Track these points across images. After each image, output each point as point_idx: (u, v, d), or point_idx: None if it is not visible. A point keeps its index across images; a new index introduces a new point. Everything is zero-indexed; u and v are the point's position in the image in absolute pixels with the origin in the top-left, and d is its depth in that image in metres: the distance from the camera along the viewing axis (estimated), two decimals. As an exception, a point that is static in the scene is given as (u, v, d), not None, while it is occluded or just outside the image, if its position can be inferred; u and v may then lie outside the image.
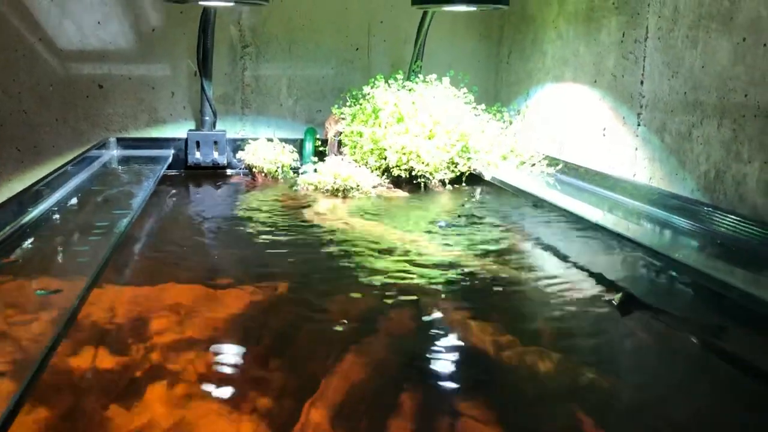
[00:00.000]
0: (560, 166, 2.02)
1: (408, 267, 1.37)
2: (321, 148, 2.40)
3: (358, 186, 2.04)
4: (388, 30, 2.60)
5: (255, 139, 2.31)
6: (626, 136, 1.86)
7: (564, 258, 1.47)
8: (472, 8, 1.98)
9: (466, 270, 1.36)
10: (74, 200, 1.67)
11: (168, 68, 2.47)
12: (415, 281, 1.29)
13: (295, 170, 2.29)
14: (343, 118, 2.35)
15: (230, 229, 1.71)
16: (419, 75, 2.42)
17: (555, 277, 1.36)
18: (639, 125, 1.80)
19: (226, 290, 1.23)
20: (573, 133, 2.12)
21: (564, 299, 1.22)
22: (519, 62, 2.51)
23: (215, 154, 2.32)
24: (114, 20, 2.40)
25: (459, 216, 1.80)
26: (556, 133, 2.22)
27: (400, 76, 2.36)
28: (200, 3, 2.05)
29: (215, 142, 2.32)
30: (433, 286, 1.27)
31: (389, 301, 1.19)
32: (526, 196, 1.90)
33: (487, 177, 2.07)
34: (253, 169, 2.24)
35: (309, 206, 1.90)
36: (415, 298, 1.22)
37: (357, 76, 2.61)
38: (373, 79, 2.35)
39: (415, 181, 2.16)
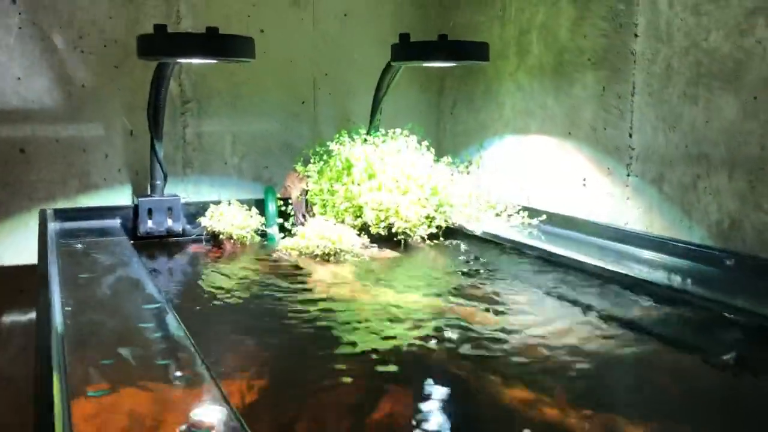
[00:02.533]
0: (543, 217, 2.04)
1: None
2: (282, 208, 2.26)
3: (351, 249, 1.93)
4: (334, 83, 2.52)
5: (216, 203, 2.12)
6: (614, 186, 1.92)
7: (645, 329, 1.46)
8: (450, 64, 1.97)
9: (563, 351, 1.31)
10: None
11: (101, 127, 2.22)
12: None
13: (262, 234, 2.13)
14: (308, 176, 2.23)
15: (258, 310, 1.53)
16: (379, 129, 2.36)
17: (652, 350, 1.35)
18: (629, 175, 1.87)
19: None
20: (545, 183, 2.16)
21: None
22: (467, 113, 2.53)
23: (169, 222, 2.10)
24: (37, 75, 2.12)
25: (473, 271, 1.76)
26: (522, 184, 2.25)
27: (363, 131, 2.29)
28: (179, 61, 1.86)
29: (169, 209, 2.10)
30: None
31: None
32: (523, 248, 1.89)
33: (477, 231, 2.05)
34: (220, 236, 2.05)
35: (309, 275, 1.76)
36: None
37: (304, 129, 2.50)
38: (337, 135, 2.26)
39: (395, 239, 2.09)
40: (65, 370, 0.95)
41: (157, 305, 1.27)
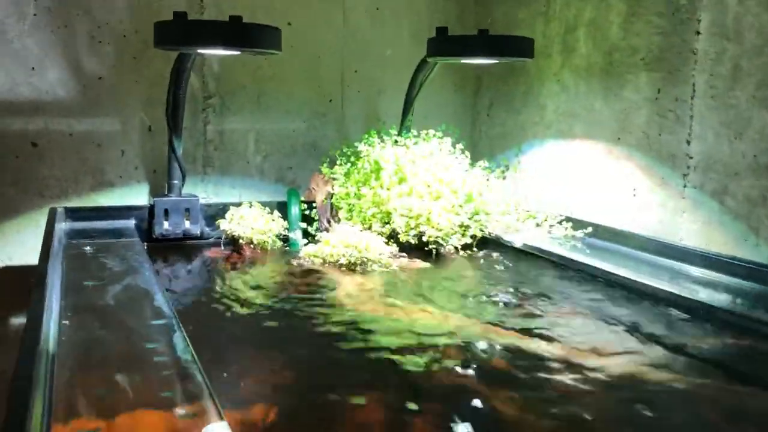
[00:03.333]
0: (589, 229, 1.88)
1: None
2: (305, 212, 2.12)
3: (379, 258, 1.78)
4: (362, 80, 2.38)
5: (236, 205, 1.99)
6: (668, 198, 1.76)
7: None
8: (491, 60, 1.82)
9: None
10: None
11: (117, 122, 2.10)
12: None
13: (284, 239, 1.99)
14: (334, 179, 2.09)
15: (276, 329, 1.40)
16: (411, 130, 2.21)
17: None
18: (686, 186, 1.70)
19: None
20: (589, 191, 2.00)
21: None
22: (505, 114, 2.38)
23: (186, 224, 1.97)
24: (52, 66, 2.00)
25: (513, 288, 1.60)
26: (564, 192, 2.09)
27: (393, 132, 2.15)
28: (199, 51, 1.73)
29: (187, 210, 1.97)
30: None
31: None
32: (567, 263, 1.73)
33: (516, 242, 1.89)
34: (240, 240, 1.91)
35: (333, 287, 1.62)
36: None
37: (330, 129, 2.36)
38: (366, 135, 2.11)
39: (426, 248, 1.94)
40: (49, 399, 0.81)
41: (165, 321, 1.13)
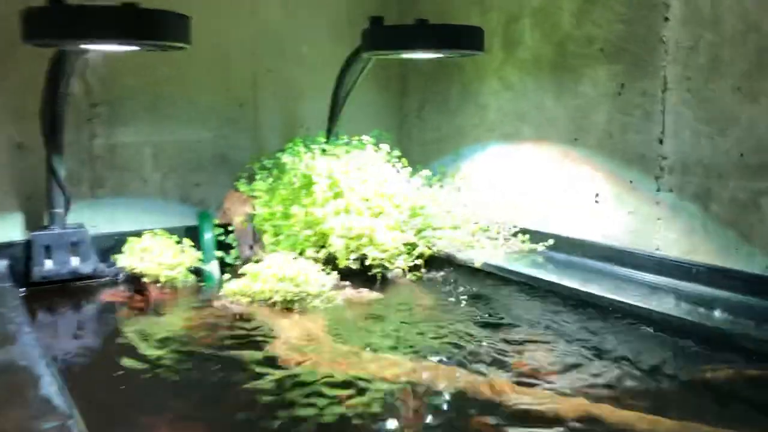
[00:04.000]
0: (550, 242, 1.68)
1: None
2: (221, 238, 1.79)
3: (320, 292, 1.49)
4: (278, 81, 2.08)
5: (136, 234, 1.64)
6: (639, 203, 1.58)
7: None
8: (437, 55, 1.58)
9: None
10: None
11: (-23, 139, 1.69)
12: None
13: (196, 273, 1.66)
14: (254, 197, 1.78)
15: (195, 402, 1.08)
16: (340, 137, 1.93)
17: None
18: (660, 190, 1.53)
19: None
20: (543, 200, 1.80)
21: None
22: (439, 117, 2.14)
23: (75, 262, 1.61)
24: None
25: (483, 319, 1.36)
26: (512, 200, 1.88)
27: (321, 139, 1.87)
28: (84, 47, 1.36)
29: (74, 244, 1.60)
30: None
31: None
32: (535, 283, 1.52)
33: (473, 261, 1.65)
34: (143, 279, 1.57)
35: (269, 338, 1.31)
36: None
37: (243, 139, 2.04)
38: (290, 144, 1.82)
39: (369, 273, 1.67)
40: None
41: (58, 423, 0.80)
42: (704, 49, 1.43)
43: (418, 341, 1.28)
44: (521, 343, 1.27)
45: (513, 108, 1.89)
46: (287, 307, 1.45)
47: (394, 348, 1.25)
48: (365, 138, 1.85)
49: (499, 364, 1.17)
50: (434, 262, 1.74)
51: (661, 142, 1.53)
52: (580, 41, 1.68)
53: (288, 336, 1.30)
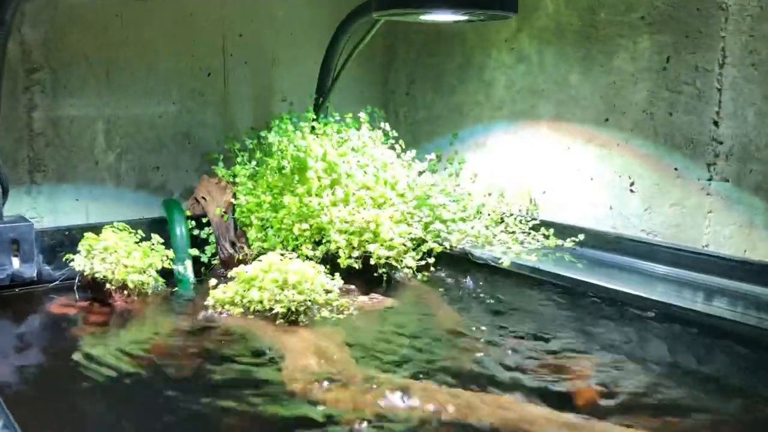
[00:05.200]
0: (581, 237, 1.48)
1: None
2: (193, 233, 1.51)
3: (328, 300, 1.24)
4: (250, 47, 1.79)
5: (92, 228, 1.34)
6: (685, 194, 1.39)
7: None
8: (463, 17, 1.33)
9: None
10: None
11: None
12: None
13: (164, 275, 1.37)
14: (234, 183, 1.50)
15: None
16: (331, 113, 1.67)
17: None
18: (712, 180, 1.34)
19: None
20: (564, 188, 1.60)
21: None
22: (432, 94, 1.91)
23: (15, 263, 1.29)
24: None
25: (530, 336, 1.14)
26: (527, 188, 1.67)
27: (310, 115, 1.60)
28: None
29: (14, 242, 1.29)
30: None
31: None
32: (570, 284, 1.31)
33: (501, 261, 1.42)
34: (106, 285, 1.27)
35: (274, 362, 1.05)
36: None
37: (210, 113, 1.75)
38: (277, 121, 1.54)
39: (375, 274, 1.42)
40: None
41: None
42: (776, 18, 1.24)
43: (468, 362, 1.05)
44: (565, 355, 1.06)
45: (526, 84, 1.67)
46: (291, 319, 1.19)
47: (432, 371, 1.01)
48: (361, 115, 1.59)
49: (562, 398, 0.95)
50: (446, 259, 1.51)
51: (716, 124, 1.34)
52: (615, 8, 1.47)
53: (297, 359, 1.04)
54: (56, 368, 1.02)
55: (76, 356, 1.03)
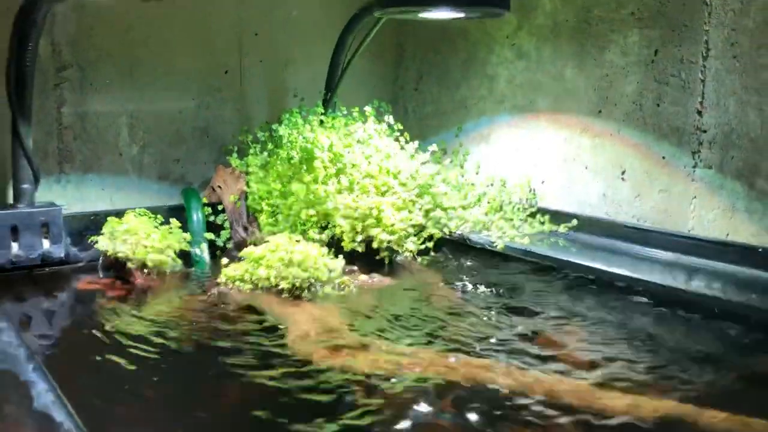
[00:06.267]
0: (574, 222, 1.55)
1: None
2: (210, 219, 1.61)
3: (330, 278, 1.33)
4: (265, 46, 1.89)
5: (114, 214, 1.45)
6: (672, 181, 1.46)
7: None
8: (458, 15, 1.42)
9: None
10: None
11: (-73, 104, 1.47)
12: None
13: (182, 256, 1.48)
14: (247, 173, 1.61)
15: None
16: (339, 107, 1.77)
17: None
18: (697, 167, 1.41)
19: None
20: (561, 176, 1.67)
21: None
22: (438, 89, 1.99)
23: (46, 244, 1.41)
24: None
25: (524, 309, 1.22)
26: (525, 177, 1.74)
27: (319, 110, 1.70)
28: None
29: (45, 225, 1.40)
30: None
31: None
32: (566, 267, 1.39)
33: (495, 244, 1.51)
34: (127, 264, 1.38)
35: (279, 330, 1.15)
36: None
37: (228, 109, 1.85)
38: (287, 115, 1.64)
39: (377, 257, 1.52)
40: None
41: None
42: (755, 12, 1.31)
43: (452, 332, 1.14)
44: (562, 330, 1.13)
45: (526, 78, 1.75)
46: (295, 294, 1.29)
47: (428, 338, 1.10)
48: (367, 109, 1.68)
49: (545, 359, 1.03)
50: (446, 244, 1.60)
51: (699, 113, 1.41)
52: (607, 5, 1.55)
53: (301, 327, 1.14)
54: (84, 338, 1.12)
55: (101, 327, 1.14)
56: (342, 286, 1.33)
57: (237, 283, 1.32)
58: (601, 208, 1.59)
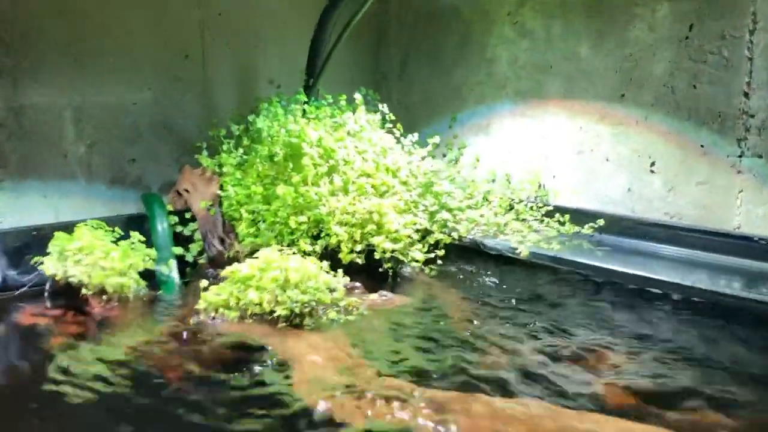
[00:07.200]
0: (600, 222, 1.37)
1: None
2: (177, 229, 1.36)
3: (334, 299, 1.11)
4: (231, 27, 1.65)
5: (64, 227, 1.19)
6: (712, 172, 1.29)
7: None
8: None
9: None
10: None
11: None
12: None
13: (144, 276, 1.23)
14: (221, 174, 1.36)
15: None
16: (324, 96, 1.54)
17: None
18: (743, 156, 1.24)
19: None
20: (576, 169, 1.49)
21: None
22: (428, 75, 1.79)
23: (-24, 269, 1.14)
24: None
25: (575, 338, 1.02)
26: (534, 171, 1.56)
27: (301, 98, 1.46)
28: None
29: (-26, 245, 1.14)
30: None
31: None
32: (616, 278, 1.20)
33: (518, 251, 1.31)
34: (82, 291, 1.12)
35: (282, 370, 0.92)
36: None
37: (190, 100, 1.61)
38: (265, 104, 1.41)
39: (380, 269, 1.30)
40: None
41: None
42: (814, -23, 1.14)
43: (511, 377, 0.93)
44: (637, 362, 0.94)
45: (532, 59, 1.56)
46: (295, 323, 1.06)
47: (471, 380, 0.89)
48: (357, 97, 1.46)
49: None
50: (454, 250, 1.39)
51: (746, 95, 1.24)
52: (630, -26, 1.37)
53: (308, 367, 0.91)
54: (27, 388, 0.88)
55: (50, 373, 0.89)
56: (349, 308, 1.11)
57: (221, 310, 1.08)
58: (626, 205, 1.41)
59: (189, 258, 1.33)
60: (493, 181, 1.61)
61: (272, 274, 1.07)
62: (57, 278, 1.12)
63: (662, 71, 1.35)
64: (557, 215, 1.43)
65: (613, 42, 1.41)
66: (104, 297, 1.12)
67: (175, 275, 1.28)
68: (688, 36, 1.31)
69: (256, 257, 1.11)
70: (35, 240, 1.22)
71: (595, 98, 1.46)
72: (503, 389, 0.86)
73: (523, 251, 1.29)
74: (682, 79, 1.32)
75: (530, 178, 1.55)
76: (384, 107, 1.47)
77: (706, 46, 1.28)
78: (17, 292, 1.19)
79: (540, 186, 1.55)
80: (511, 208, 1.48)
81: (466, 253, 1.38)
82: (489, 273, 1.31)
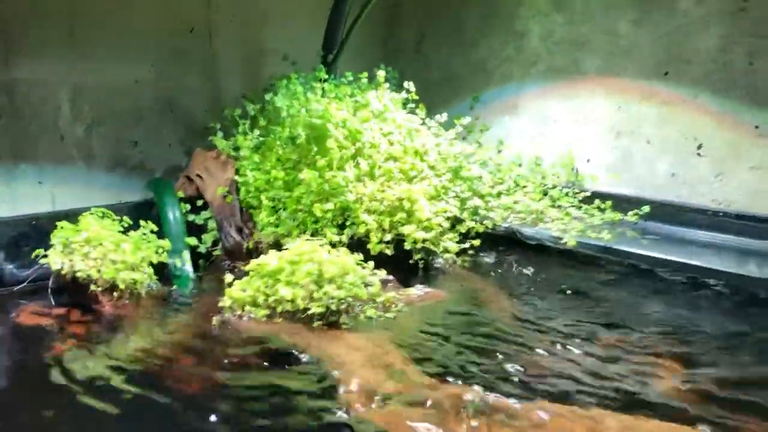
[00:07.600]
0: (646, 209, 1.28)
1: None
2: (189, 218, 1.25)
3: (372, 295, 1.00)
4: (238, 1, 1.52)
5: (67, 216, 1.07)
6: (767, 157, 1.20)
7: None
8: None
9: None
10: None
11: None
12: None
13: (158, 270, 1.12)
14: (236, 158, 1.25)
15: None
16: (345, 75, 1.42)
17: None
18: (804, 138, 1.15)
19: None
20: (615, 152, 1.40)
21: None
22: (448, 51, 1.68)
23: (-30, 263, 1.02)
24: None
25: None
26: (568, 154, 1.46)
27: (321, 75, 1.35)
28: None
29: (-32, 237, 1.02)
30: None
31: None
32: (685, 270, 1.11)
33: (567, 240, 1.21)
34: (90, 287, 1.01)
35: (325, 381, 0.82)
36: None
37: (195, 76, 1.49)
38: (284, 81, 1.29)
39: (410, 261, 1.20)
40: None
41: None
42: None
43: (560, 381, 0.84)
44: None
45: (566, 34, 1.46)
46: (330, 320, 0.95)
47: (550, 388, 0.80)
48: (380, 74, 1.35)
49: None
50: (486, 239, 1.29)
51: (809, 72, 1.15)
52: (679, -60, 1.26)
53: (357, 375, 0.81)
54: (27, 399, 0.77)
55: (54, 379, 0.78)
56: (387, 305, 1.01)
57: (247, 308, 0.97)
58: (670, 190, 1.32)
59: (202, 249, 1.22)
60: (520, 165, 1.51)
61: (306, 267, 0.96)
62: (62, 273, 1.00)
63: (713, 46, 1.25)
64: (597, 201, 1.33)
65: (658, 14, 1.31)
66: (115, 294, 1.01)
67: (189, 268, 1.17)
68: (743, 7, 1.21)
69: (286, 248, 1.00)
70: (33, 230, 1.11)
71: (636, 76, 1.36)
72: (573, 396, 0.76)
73: (570, 241, 1.19)
74: (736, 55, 1.23)
75: (563, 162, 1.45)
76: (410, 85, 1.36)
77: (765, 20, 1.19)
78: (16, 289, 1.07)
79: (574, 170, 1.45)
80: (545, 194, 1.38)
81: (499, 242, 1.29)
82: (528, 264, 1.22)
